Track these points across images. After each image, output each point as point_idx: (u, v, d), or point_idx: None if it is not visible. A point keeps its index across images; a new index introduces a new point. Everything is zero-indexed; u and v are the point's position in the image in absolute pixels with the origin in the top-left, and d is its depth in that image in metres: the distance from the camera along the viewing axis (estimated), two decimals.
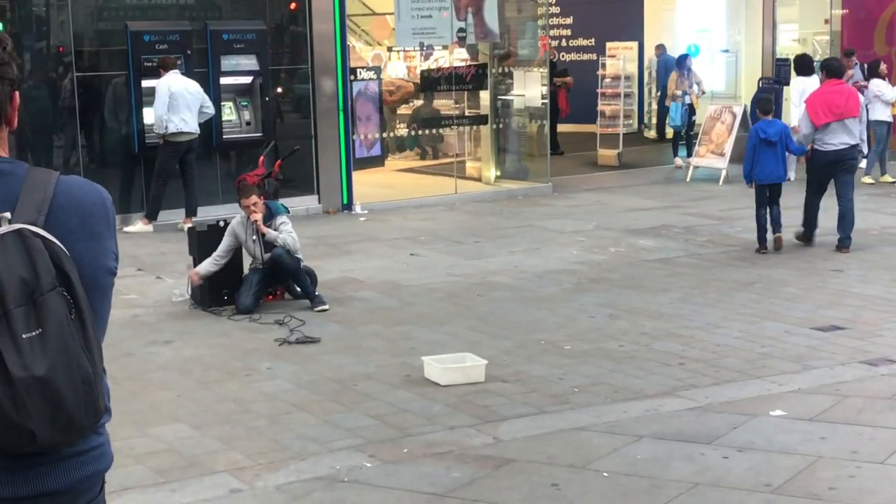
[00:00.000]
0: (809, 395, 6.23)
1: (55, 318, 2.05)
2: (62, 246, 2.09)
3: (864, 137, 10.67)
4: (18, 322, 2.02)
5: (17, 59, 2.24)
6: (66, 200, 2.18)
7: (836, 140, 10.22)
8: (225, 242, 8.37)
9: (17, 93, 2.23)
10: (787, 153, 10.47)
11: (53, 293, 2.05)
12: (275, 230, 8.29)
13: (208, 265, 8.25)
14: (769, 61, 17.93)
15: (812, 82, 13.09)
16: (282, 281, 8.59)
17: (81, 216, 2.20)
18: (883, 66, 14.87)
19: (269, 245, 8.30)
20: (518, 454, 5.38)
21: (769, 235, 10.29)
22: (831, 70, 10.71)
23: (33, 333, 2.03)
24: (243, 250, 8.53)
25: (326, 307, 8.27)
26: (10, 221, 2.07)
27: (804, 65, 13.99)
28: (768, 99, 11.46)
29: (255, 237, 8.28)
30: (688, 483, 4.99)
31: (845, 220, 10.30)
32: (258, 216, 8.24)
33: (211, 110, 11.69)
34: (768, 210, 10.30)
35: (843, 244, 10.28)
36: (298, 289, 8.52)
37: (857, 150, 10.43)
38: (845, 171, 10.33)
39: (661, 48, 19.28)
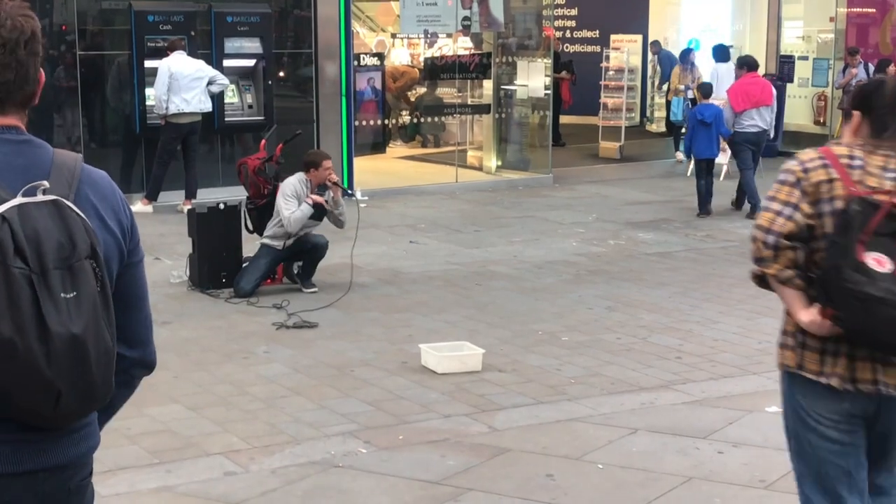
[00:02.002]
0: None
1: (88, 284, 2.10)
2: (89, 223, 2.14)
3: (774, 124, 12.61)
4: (56, 282, 2.06)
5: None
6: (88, 181, 2.25)
7: (752, 124, 12.03)
8: (293, 200, 8.19)
9: (42, 70, 2.29)
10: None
11: (87, 262, 2.10)
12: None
13: (303, 211, 8.19)
14: (773, 58, 17.90)
15: (727, 68, 14.41)
16: (294, 259, 8.58)
17: (100, 198, 2.27)
18: (892, 67, 14.81)
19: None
20: (513, 444, 5.38)
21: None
22: (748, 64, 12.50)
23: (69, 295, 2.07)
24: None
25: (315, 289, 8.34)
26: (44, 191, 2.11)
27: (722, 52, 15.30)
28: (710, 84, 13.01)
29: (309, 202, 8.21)
30: (682, 477, 5.00)
31: (749, 188, 12.01)
32: (337, 178, 8.31)
33: (223, 80, 11.66)
34: (705, 182, 12.13)
35: (756, 209, 11.65)
36: (297, 270, 8.54)
37: (766, 134, 12.37)
38: (758, 149, 12.25)
39: (656, 45, 19.13)
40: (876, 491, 3.49)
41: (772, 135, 12.59)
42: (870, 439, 3.37)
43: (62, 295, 2.05)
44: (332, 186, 8.32)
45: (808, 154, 3.36)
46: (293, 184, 8.25)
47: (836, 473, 3.36)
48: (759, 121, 12.04)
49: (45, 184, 2.11)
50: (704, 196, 12.12)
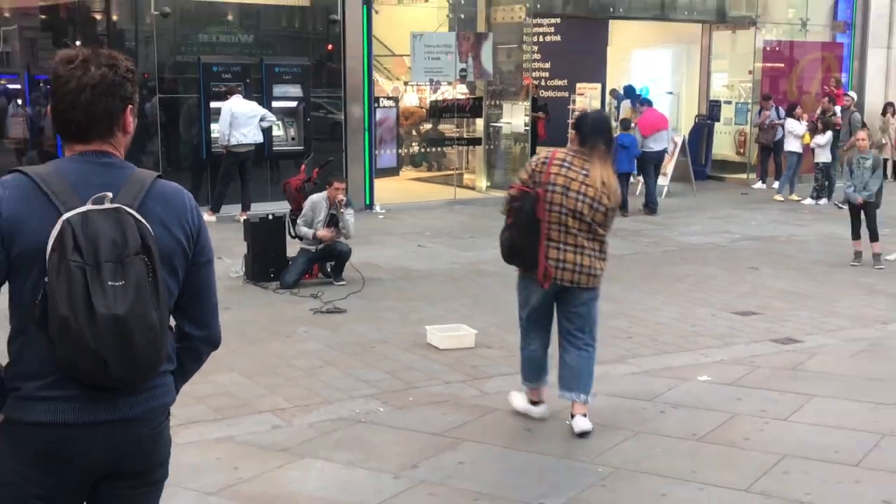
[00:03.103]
0: (729, 366, 6.24)
1: (136, 275, 2.08)
2: (149, 226, 2.13)
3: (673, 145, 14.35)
4: (107, 272, 2.05)
5: (133, 79, 2.22)
6: (157, 194, 2.23)
7: (656, 145, 13.23)
8: (308, 213, 8.23)
9: (130, 106, 2.23)
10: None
11: (137, 257, 2.08)
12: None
13: (307, 231, 8.22)
14: (704, 102, 17.90)
15: (626, 104, 16.26)
16: (325, 261, 8.55)
17: (167, 209, 2.24)
18: (798, 109, 14.85)
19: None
20: (500, 405, 5.38)
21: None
22: (648, 102, 14.24)
23: (118, 283, 2.05)
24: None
25: (344, 282, 8.32)
26: (111, 201, 2.12)
27: (630, 92, 16.92)
28: (629, 120, 13.58)
29: (325, 215, 8.20)
30: (632, 431, 5.00)
31: (650, 196, 13.10)
32: (344, 198, 8.28)
33: (272, 117, 11.66)
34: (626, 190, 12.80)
35: (652, 210, 12.92)
36: (330, 269, 8.54)
37: (665, 152, 13.65)
38: (656, 165, 13.44)
39: (615, 92, 18.92)
40: (568, 336, 4.90)
41: (669, 151, 14.02)
42: (563, 307, 4.88)
43: (110, 283, 2.03)
44: (338, 204, 8.24)
45: (542, 154, 4.85)
46: (314, 199, 8.30)
47: (535, 318, 4.90)
48: (660, 143, 13.22)
49: (109, 195, 2.11)
50: (624, 201, 12.39)
